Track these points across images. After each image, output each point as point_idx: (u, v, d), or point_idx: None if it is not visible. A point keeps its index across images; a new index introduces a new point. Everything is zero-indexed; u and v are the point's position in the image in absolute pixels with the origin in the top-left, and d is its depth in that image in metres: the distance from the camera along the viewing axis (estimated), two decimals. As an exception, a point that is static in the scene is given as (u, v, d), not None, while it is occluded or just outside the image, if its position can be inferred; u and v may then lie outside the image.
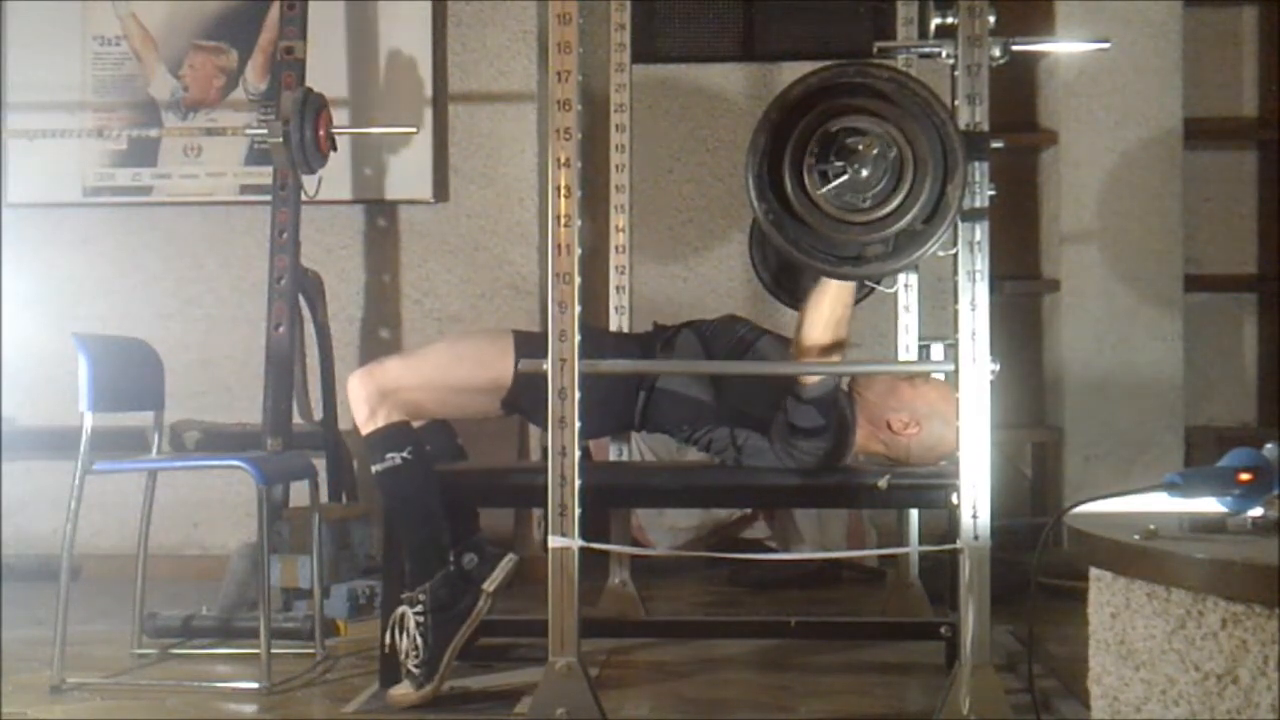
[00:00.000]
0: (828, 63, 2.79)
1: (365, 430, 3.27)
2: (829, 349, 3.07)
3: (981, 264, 2.77)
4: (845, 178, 2.65)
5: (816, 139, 2.67)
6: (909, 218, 2.67)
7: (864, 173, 2.65)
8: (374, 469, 3.24)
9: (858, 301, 3.47)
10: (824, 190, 2.66)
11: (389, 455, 3.22)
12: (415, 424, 3.30)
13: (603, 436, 3.93)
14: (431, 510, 3.23)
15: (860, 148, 2.65)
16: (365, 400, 3.25)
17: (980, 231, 2.78)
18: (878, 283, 3.21)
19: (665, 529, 4.99)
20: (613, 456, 4.06)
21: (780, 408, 3.17)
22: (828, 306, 3.04)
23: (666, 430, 3.41)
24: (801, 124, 2.68)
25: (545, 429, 2.88)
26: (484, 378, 3.29)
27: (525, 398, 3.22)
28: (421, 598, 3.17)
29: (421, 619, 3.16)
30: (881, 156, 2.65)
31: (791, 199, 2.68)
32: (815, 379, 3.10)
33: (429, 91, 5.27)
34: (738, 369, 3.32)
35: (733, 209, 5.59)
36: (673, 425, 3.37)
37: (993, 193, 2.81)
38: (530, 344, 3.26)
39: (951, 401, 2.90)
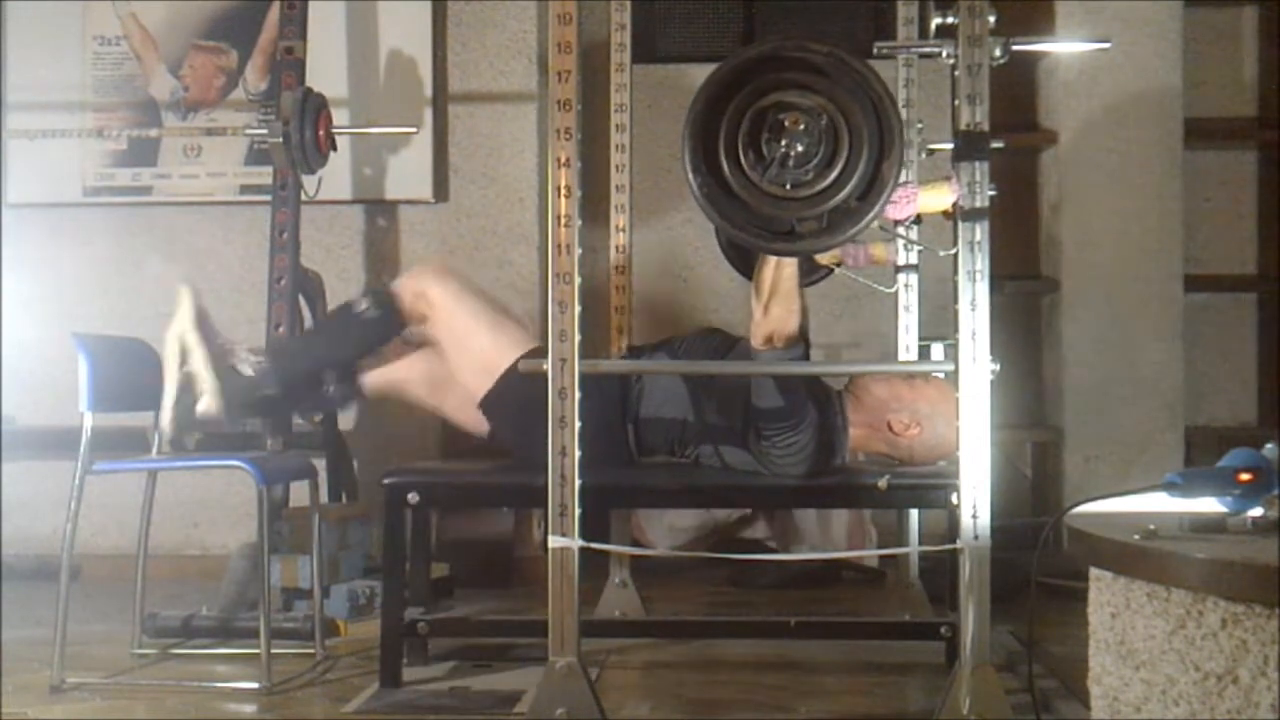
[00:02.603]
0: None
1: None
2: (785, 319, 3.05)
3: (981, 264, 2.77)
4: (781, 154, 2.61)
5: (750, 115, 2.64)
6: (843, 194, 2.64)
7: (798, 148, 2.62)
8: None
9: (810, 284, 3.47)
10: (761, 169, 2.62)
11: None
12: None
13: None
14: None
15: (791, 123, 2.62)
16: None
17: (980, 231, 2.78)
18: (832, 270, 3.18)
19: (665, 529, 4.99)
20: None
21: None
22: (769, 277, 3.04)
23: (661, 454, 3.44)
24: (736, 100, 2.65)
25: (512, 446, 2.83)
26: (487, 354, 3.32)
27: (505, 401, 3.25)
28: None
29: None
30: (815, 131, 2.62)
31: (726, 174, 2.65)
32: (764, 343, 3.08)
33: (429, 91, 5.27)
34: (732, 369, 3.32)
35: (733, 209, 5.58)
36: (664, 449, 3.42)
37: (993, 193, 2.80)
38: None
39: (952, 401, 2.90)
